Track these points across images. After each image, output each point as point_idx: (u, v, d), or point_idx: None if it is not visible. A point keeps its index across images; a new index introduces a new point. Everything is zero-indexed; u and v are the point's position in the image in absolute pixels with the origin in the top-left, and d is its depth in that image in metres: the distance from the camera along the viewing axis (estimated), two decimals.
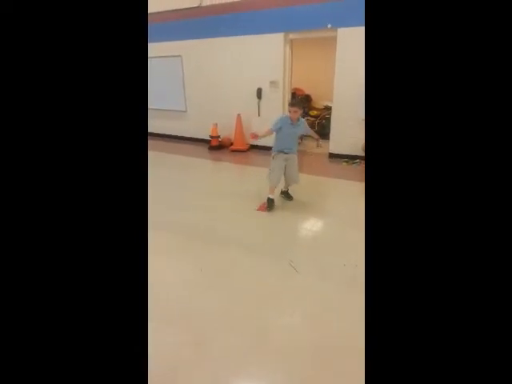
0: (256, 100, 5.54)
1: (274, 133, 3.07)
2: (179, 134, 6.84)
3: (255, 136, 3.00)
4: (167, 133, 7.03)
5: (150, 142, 6.19)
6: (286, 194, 3.46)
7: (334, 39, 4.61)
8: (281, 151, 3.11)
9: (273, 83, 5.32)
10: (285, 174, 3.25)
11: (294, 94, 6.37)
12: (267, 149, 5.80)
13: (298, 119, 2.99)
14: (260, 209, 3.18)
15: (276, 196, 3.32)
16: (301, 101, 3.04)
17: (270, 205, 3.17)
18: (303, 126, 3.10)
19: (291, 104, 2.95)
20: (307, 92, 7.41)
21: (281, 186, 3.44)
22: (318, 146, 3.41)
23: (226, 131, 5.98)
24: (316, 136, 3.42)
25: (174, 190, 3.91)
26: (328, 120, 5.37)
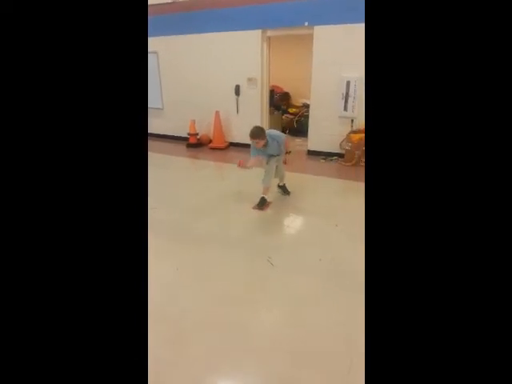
0: (234, 97, 5.50)
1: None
2: (156, 132, 6.69)
3: (242, 164, 3.07)
4: None
5: None
6: (282, 188, 3.50)
7: (311, 37, 4.64)
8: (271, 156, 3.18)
9: (251, 80, 5.30)
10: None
11: (272, 92, 6.38)
12: (246, 146, 5.79)
13: (266, 144, 2.99)
14: (255, 207, 3.18)
15: (273, 193, 3.37)
16: (260, 130, 2.96)
17: (261, 203, 3.17)
18: (276, 147, 3.08)
19: (251, 136, 2.93)
20: (286, 89, 7.44)
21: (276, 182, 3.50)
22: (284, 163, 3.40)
23: (205, 128, 5.91)
24: (284, 158, 3.37)
25: (153, 188, 3.81)
26: (306, 117, 5.42)
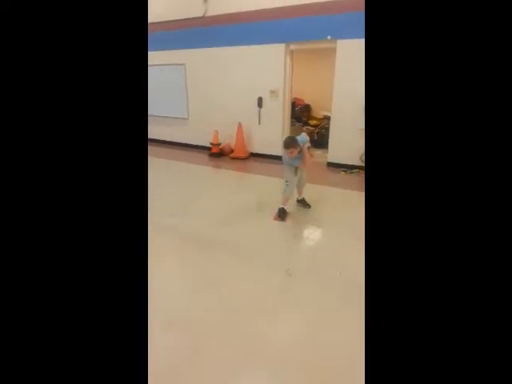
0: (257, 108, 5.62)
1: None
2: (181, 141, 6.92)
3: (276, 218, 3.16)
4: (169, 139, 7.10)
5: (153, 149, 6.27)
6: (302, 202, 3.49)
7: (334, 50, 4.71)
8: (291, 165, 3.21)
9: (273, 92, 5.41)
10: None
11: (293, 104, 6.47)
12: (266, 157, 5.91)
13: (300, 151, 3.02)
14: (275, 218, 3.21)
15: (292, 205, 3.38)
16: (293, 139, 3.00)
17: (281, 214, 3.20)
18: (301, 160, 3.13)
19: (285, 146, 2.98)
20: (307, 102, 7.52)
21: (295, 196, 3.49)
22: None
23: (227, 139, 6.05)
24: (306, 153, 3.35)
25: (174, 195, 3.95)
26: (327, 129, 5.45)
